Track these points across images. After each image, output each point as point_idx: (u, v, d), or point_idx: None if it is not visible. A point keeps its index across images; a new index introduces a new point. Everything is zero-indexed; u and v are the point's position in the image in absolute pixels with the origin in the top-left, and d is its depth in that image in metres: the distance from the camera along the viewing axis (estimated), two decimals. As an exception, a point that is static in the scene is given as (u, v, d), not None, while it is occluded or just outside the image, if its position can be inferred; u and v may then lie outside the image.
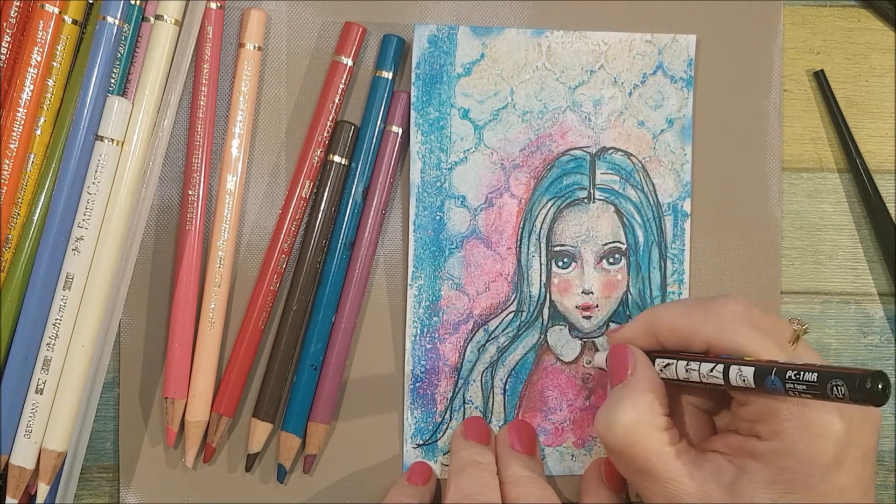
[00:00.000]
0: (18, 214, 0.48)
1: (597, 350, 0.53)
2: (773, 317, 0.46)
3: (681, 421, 0.48)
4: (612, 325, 0.53)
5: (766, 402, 0.43)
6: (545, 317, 0.53)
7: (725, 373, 0.43)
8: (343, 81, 0.51)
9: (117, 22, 0.48)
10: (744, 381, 0.42)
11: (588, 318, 0.53)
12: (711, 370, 0.44)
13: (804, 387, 0.39)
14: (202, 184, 0.50)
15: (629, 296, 0.53)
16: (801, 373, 0.40)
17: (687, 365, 0.45)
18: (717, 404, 0.49)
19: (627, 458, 0.45)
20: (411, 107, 0.52)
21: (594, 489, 0.51)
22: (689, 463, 0.44)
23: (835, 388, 0.38)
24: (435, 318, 0.52)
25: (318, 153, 0.51)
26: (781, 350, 0.44)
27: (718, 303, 0.45)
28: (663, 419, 0.45)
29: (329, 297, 0.51)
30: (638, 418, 0.44)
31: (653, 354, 0.48)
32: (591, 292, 0.53)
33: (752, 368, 0.42)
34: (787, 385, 0.40)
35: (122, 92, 0.49)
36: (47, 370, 0.47)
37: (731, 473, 0.44)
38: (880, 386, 0.37)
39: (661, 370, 0.47)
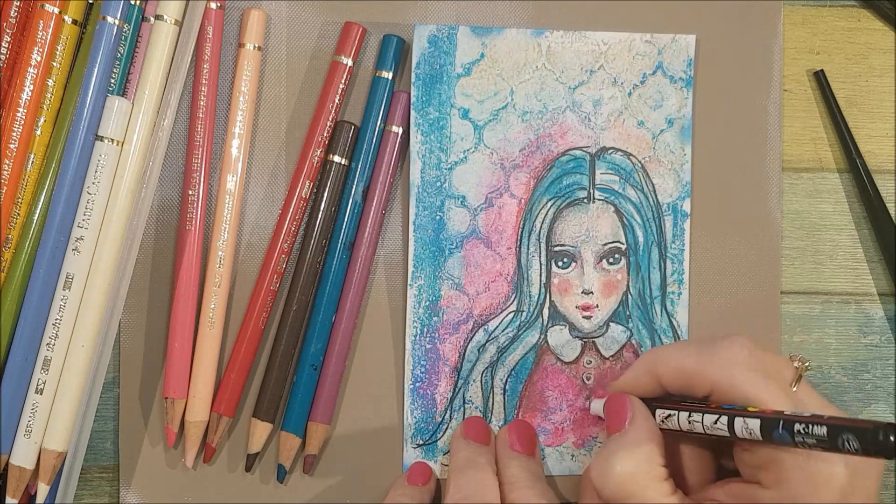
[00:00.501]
0: (18, 214, 0.48)
1: (599, 355, 0.53)
2: (775, 356, 0.46)
3: (682, 465, 0.48)
4: (622, 337, 0.53)
5: (770, 450, 0.43)
6: (545, 317, 0.53)
7: (730, 425, 0.43)
8: (343, 81, 0.51)
9: (117, 22, 0.48)
10: (750, 433, 0.42)
11: (588, 318, 0.53)
12: (715, 422, 0.43)
13: (814, 440, 0.39)
14: (202, 184, 0.50)
15: (629, 296, 0.53)
16: (810, 426, 0.39)
17: (689, 416, 0.45)
18: (719, 446, 0.48)
19: None
20: (411, 107, 0.52)
21: (593, 490, 0.51)
22: None
23: (846, 441, 0.37)
24: (435, 318, 0.52)
25: (318, 153, 0.51)
26: (787, 396, 0.43)
27: (723, 346, 0.45)
28: (661, 470, 0.45)
29: (329, 297, 0.51)
30: (635, 469, 0.44)
31: (653, 404, 0.47)
32: (591, 292, 0.53)
33: (758, 420, 0.41)
34: (797, 438, 0.39)
35: (122, 92, 0.49)
36: (47, 370, 0.47)
37: None
38: (893, 438, 0.36)
39: (663, 421, 0.46)
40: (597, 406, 0.51)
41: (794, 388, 0.44)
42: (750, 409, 0.43)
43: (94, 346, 0.47)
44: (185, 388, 0.50)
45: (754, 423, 0.41)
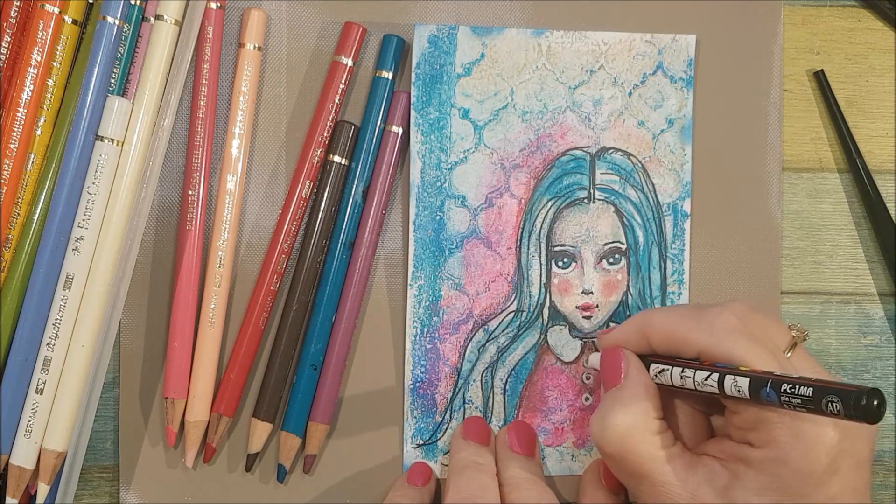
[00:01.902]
0: (18, 214, 0.48)
1: (594, 350, 0.53)
2: (772, 322, 0.46)
3: (675, 422, 0.48)
4: (609, 326, 0.53)
5: (759, 410, 0.43)
6: (545, 317, 0.53)
7: (720, 382, 0.43)
8: (343, 81, 0.51)
9: (117, 22, 0.48)
10: (738, 391, 0.42)
11: (588, 318, 0.53)
12: (706, 378, 0.44)
13: (799, 400, 0.39)
14: (202, 184, 0.50)
15: (629, 296, 0.53)
16: (797, 386, 0.39)
17: (682, 372, 0.45)
18: (712, 406, 0.49)
19: (621, 463, 0.45)
20: (411, 107, 0.52)
21: (592, 490, 0.51)
22: (682, 467, 0.44)
23: (829, 403, 0.38)
24: (435, 318, 0.52)
25: (318, 153, 0.51)
26: (775, 359, 0.44)
27: (713, 312, 0.45)
28: (657, 423, 0.45)
29: (329, 297, 0.51)
30: (632, 423, 0.45)
31: (647, 359, 0.47)
32: (591, 292, 0.53)
33: (748, 379, 0.42)
34: (782, 398, 0.40)
35: (122, 92, 0.49)
36: (47, 370, 0.47)
37: (724, 478, 0.44)
38: (875, 403, 0.37)
39: (656, 375, 0.47)
40: (594, 359, 0.51)
41: (788, 355, 0.44)
42: (741, 368, 0.43)
43: (94, 346, 0.47)
44: (185, 388, 0.50)
45: (743, 382, 0.42)
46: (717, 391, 0.43)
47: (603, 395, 0.47)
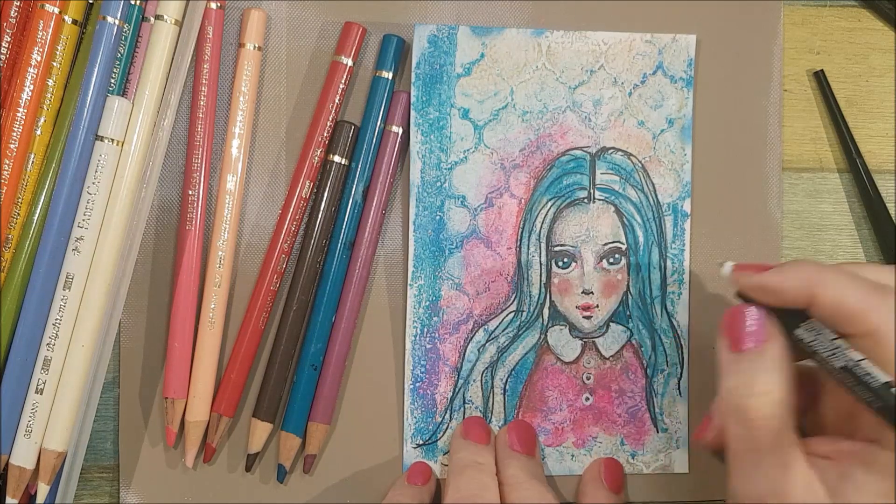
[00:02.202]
0: (18, 214, 0.48)
1: (599, 355, 0.53)
2: None
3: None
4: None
5: None
6: (545, 317, 0.53)
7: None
8: (343, 81, 0.51)
9: (117, 22, 0.48)
10: None
11: (588, 318, 0.53)
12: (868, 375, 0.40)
13: None
14: (202, 184, 0.50)
15: (629, 296, 0.53)
16: None
17: (843, 347, 0.41)
18: (813, 399, 0.46)
19: (757, 433, 0.41)
20: (411, 107, 0.52)
21: (593, 490, 0.51)
22: (803, 456, 0.41)
23: None
24: (435, 318, 0.52)
25: (318, 153, 0.51)
26: None
27: (890, 292, 0.41)
28: (793, 399, 0.42)
29: (329, 297, 0.51)
30: (784, 392, 0.41)
31: (793, 320, 0.43)
32: (591, 292, 0.53)
33: None
34: None
35: (122, 92, 0.49)
36: (47, 370, 0.47)
37: (833, 479, 0.41)
38: None
39: (800, 342, 0.43)
40: (729, 267, 0.45)
41: None
42: None
43: (94, 346, 0.47)
44: (185, 388, 0.50)
45: None
46: (872, 386, 0.40)
47: (737, 357, 0.43)
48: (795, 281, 0.42)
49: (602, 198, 0.53)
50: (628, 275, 0.53)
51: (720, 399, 0.43)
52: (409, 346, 0.52)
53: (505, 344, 0.53)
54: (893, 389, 0.40)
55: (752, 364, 0.42)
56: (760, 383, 0.41)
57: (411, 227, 0.52)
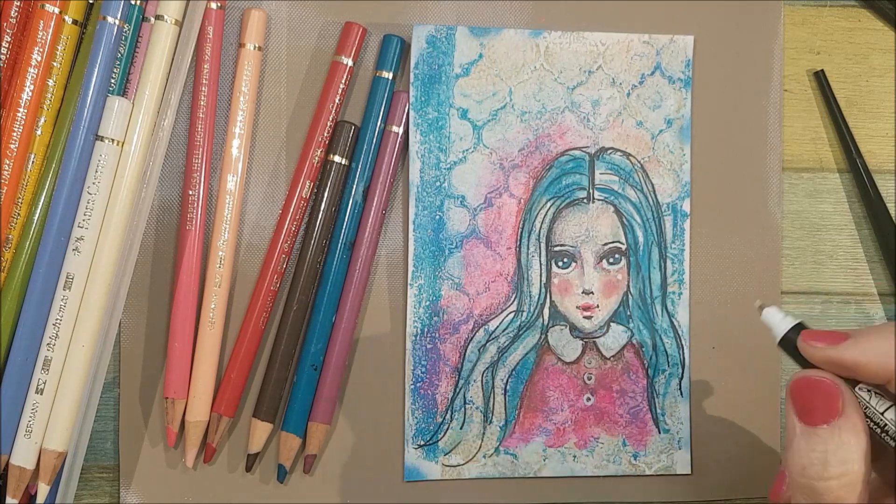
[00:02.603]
0: (18, 214, 0.48)
1: (600, 355, 0.53)
2: None
3: None
4: (622, 336, 0.47)
5: None
6: (545, 317, 0.53)
7: None
8: (343, 81, 0.51)
9: (117, 22, 0.48)
10: None
11: (588, 318, 0.53)
12: None
13: None
14: (202, 184, 0.50)
15: (629, 296, 0.53)
16: None
17: None
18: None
19: None
20: (410, 107, 0.52)
21: None
22: None
23: None
24: (435, 318, 0.52)
25: (318, 153, 0.51)
26: None
27: None
28: (868, 476, 0.39)
29: (329, 297, 0.51)
30: (858, 474, 0.38)
31: (867, 389, 0.41)
32: (592, 292, 0.53)
33: None
34: None
35: (122, 92, 0.49)
36: (47, 370, 0.47)
37: None
38: None
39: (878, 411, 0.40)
40: (771, 315, 0.42)
41: None
42: None
43: (94, 346, 0.47)
44: (185, 388, 0.50)
45: None
46: None
47: (805, 430, 0.39)
48: (875, 356, 0.39)
49: (601, 198, 0.53)
50: (628, 275, 0.53)
51: (790, 474, 0.40)
52: (409, 346, 0.52)
53: (505, 344, 0.53)
54: None
55: (826, 443, 0.39)
56: (834, 466, 0.38)
57: (411, 227, 0.52)
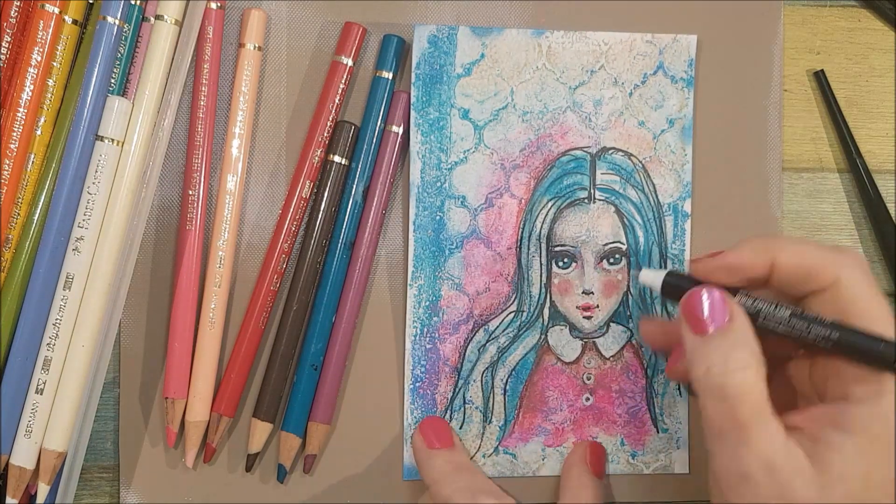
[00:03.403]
0: (18, 214, 0.48)
1: (599, 355, 0.53)
2: None
3: None
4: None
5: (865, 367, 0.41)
6: (545, 317, 0.53)
7: (848, 332, 0.41)
8: (343, 81, 0.51)
9: (117, 22, 0.48)
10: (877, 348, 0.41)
11: (588, 318, 0.53)
12: (829, 330, 0.42)
13: None
14: (202, 184, 0.50)
15: (629, 296, 0.53)
16: None
17: (791, 315, 0.43)
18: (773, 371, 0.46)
19: (740, 409, 0.41)
20: (411, 107, 0.52)
21: (577, 474, 0.51)
22: (782, 426, 0.41)
23: None
24: (435, 318, 0.52)
25: (318, 153, 0.51)
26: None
27: (849, 250, 0.43)
28: (765, 373, 0.42)
29: (329, 297, 0.51)
30: (758, 365, 0.41)
31: (745, 296, 0.44)
32: (592, 292, 0.53)
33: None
34: None
35: (122, 92, 0.49)
36: (47, 370, 0.47)
37: (809, 446, 0.41)
38: None
39: (759, 313, 0.44)
40: (649, 276, 0.47)
41: None
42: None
43: (94, 346, 0.47)
44: (185, 388, 0.50)
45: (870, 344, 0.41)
46: (830, 341, 0.42)
47: (702, 338, 0.43)
48: (754, 252, 0.44)
49: (602, 198, 0.53)
50: (629, 275, 0.53)
51: (696, 384, 0.43)
52: (409, 346, 0.52)
53: (505, 344, 0.53)
54: (836, 331, 0.41)
55: (721, 343, 0.42)
56: (734, 360, 0.41)
57: (411, 227, 0.52)
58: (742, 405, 0.41)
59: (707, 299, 0.43)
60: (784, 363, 0.47)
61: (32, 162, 0.48)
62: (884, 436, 0.40)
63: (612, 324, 0.53)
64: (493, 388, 0.53)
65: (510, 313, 0.53)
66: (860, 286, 0.42)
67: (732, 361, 0.41)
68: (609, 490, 0.53)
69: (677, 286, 0.45)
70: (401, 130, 0.52)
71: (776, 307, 0.43)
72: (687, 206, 0.54)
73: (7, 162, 0.47)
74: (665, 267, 0.53)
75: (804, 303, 0.44)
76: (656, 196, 0.53)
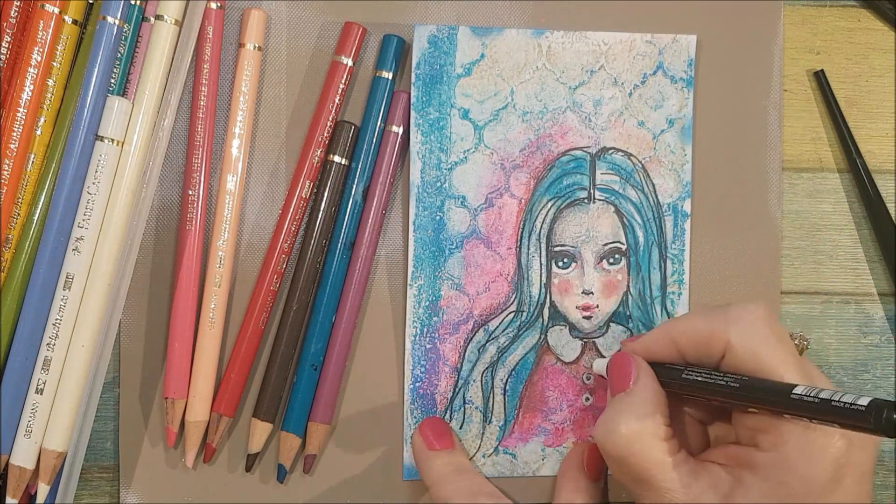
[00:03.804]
0: (18, 214, 0.48)
1: (599, 355, 0.53)
2: (781, 327, 0.46)
3: (680, 430, 0.48)
4: (623, 336, 0.53)
5: (770, 417, 0.43)
6: (545, 317, 0.53)
7: (745, 387, 0.43)
8: (343, 81, 0.51)
9: (117, 22, 0.48)
10: (763, 398, 0.42)
11: (588, 318, 0.53)
12: (731, 383, 0.44)
13: (816, 410, 0.40)
14: (202, 184, 0.50)
15: (629, 296, 0.53)
16: (817, 398, 0.40)
17: (706, 374, 0.45)
18: (712, 415, 0.49)
19: (627, 467, 0.45)
20: (411, 107, 0.52)
21: (574, 477, 0.51)
22: (687, 473, 0.44)
23: (849, 413, 0.38)
24: (435, 318, 0.52)
25: (318, 153, 0.51)
26: (797, 362, 0.44)
27: (738, 306, 0.45)
28: (664, 429, 0.45)
29: (329, 297, 0.51)
30: (640, 428, 0.44)
31: (665, 366, 0.47)
32: (592, 292, 0.53)
33: (776, 388, 0.42)
34: (803, 409, 0.41)
35: (122, 92, 0.49)
36: (47, 370, 0.47)
37: (727, 485, 0.44)
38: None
39: (672, 380, 0.46)
40: (600, 365, 0.51)
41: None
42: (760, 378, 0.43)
43: (94, 346, 0.47)
44: (185, 388, 0.50)
45: (770, 390, 0.42)
46: (738, 396, 0.43)
47: (610, 400, 0.47)
48: (655, 341, 0.47)
49: (602, 198, 0.53)
50: (628, 275, 0.53)
51: (597, 440, 0.46)
52: (409, 346, 0.52)
53: (505, 344, 0.53)
54: (735, 383, 0.43)
55: (618, 406, 0.46)
56: (623, 423, 0.45)
57: (411, 227, 0.52)
58: (631, 466, 0.45)
59: (617, 364, 0.47)
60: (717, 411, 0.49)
61: (32, 162, 0.48)
62: (788, 482, 0.42)
63: (611, 324, 0.53)
64: (492, 388, 0.53)
65: (510, 313, 0.53)
66: (753, 341, 0.44)
67: (620, 425, 0.45)
68: (605, 493, 0.53)
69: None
70: (401, 130, 0.52)
71: (686, 372, 0.46)
72: (687, 206, 0.54)
73: (7, 162, 0.47)
74: (665, 266, 0.53)
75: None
76: (656, 196, 0.53)
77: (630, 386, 0.46)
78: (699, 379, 0.45)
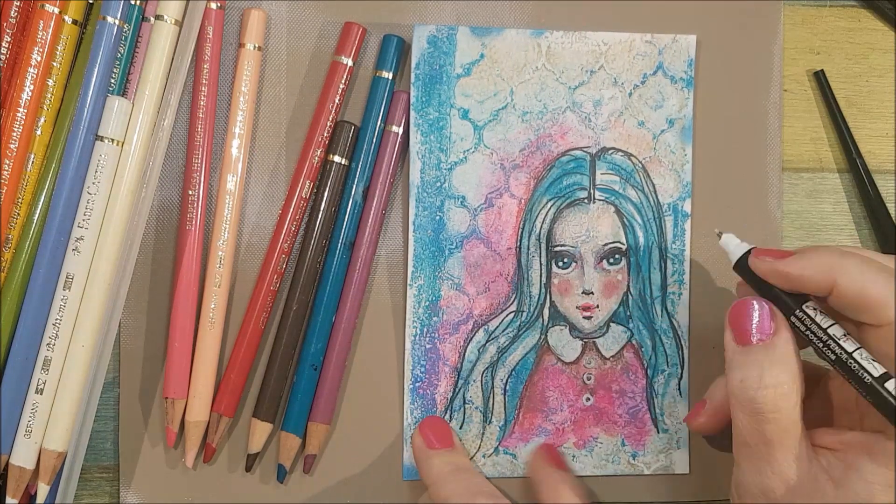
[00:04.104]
0: (18, 214, 0.48)
1: (599, 356, 0.53)
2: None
3: None
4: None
5: None
6: (545, 317, 0.53)
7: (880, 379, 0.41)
8: (343, 81, 0.51)
9: (117, 22, 0.48)
10: None
11: (588, 318, 0.53)
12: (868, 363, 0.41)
13: None
14: (202, 184, 0.50)
15: (629, 296, 0.53)
16: None
17: (852, 346, 0.42)
18: (812, 392, 0.46)
19: (766, 424, 0.42)
20: (411, 107, 0.52)
21: (549, 473, 0.51)
22: (808, 448, 0.42)
23: None
24: (435, 318, 0.52)
25: (318, 153, 0.51)
26: None
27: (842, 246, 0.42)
28: (803, 390, 0.42)
29: (329, 297, 0.51)
30: (790, 384, 0.42)
31: (803, 307, 0.44)
32: (592, 292, 0.53)
33: None
34: None
35: (122, 92, 0.49)
36: (47, 370, 0.47)
37: (839, 471, 0.41)
38: None
39: (814, 346, 0.44)
40: (729, 240, 0.47)
41: None
42: None
43: (94, 346, 0.47)
44: (185, 388, 0.50)
45: None
46: (870, 377, 0.41)
47: (743, 349, 0.43)
48: (817, 268, 0.42)
49: (602, 198, 0.53)
50: (629, 275, 0.53)
51: (731, 392, 0.43)
52: (408, 346, 0.52)
53: (505, 344, 0.53)
54: (889, 383, 0.41)
55: (760, 357, 0.42)
56: (770, 377, 0.42)
57: (411, 227, 0.52)
58: (770, 423, 0.41)
59: (755, 312, 0.43)
60: (827, 377, 0.47)
61: (32, 162, 0.48)
62: None
63: (611, 324, 0.53)
64: (493, 388, 0.53)
65: (510, 313, 0.53)
66: (863, 276, 0.41)
67: (768, 377, 0.42)
68: (589, 488, 0.53)
69: (747, 272, 0.45)
70: (401, 130, 0.52)
71: (825, 345, 0.43)
72: (687, 206, 0.54)
73: (7, 162, 0.47)
74: (665, 267, 0.53)
75: (861, 329, 0.43)
76: (656, 196, 0.53)
77: (769, 337, 0.43)
78: (840, 364, 0.42)
